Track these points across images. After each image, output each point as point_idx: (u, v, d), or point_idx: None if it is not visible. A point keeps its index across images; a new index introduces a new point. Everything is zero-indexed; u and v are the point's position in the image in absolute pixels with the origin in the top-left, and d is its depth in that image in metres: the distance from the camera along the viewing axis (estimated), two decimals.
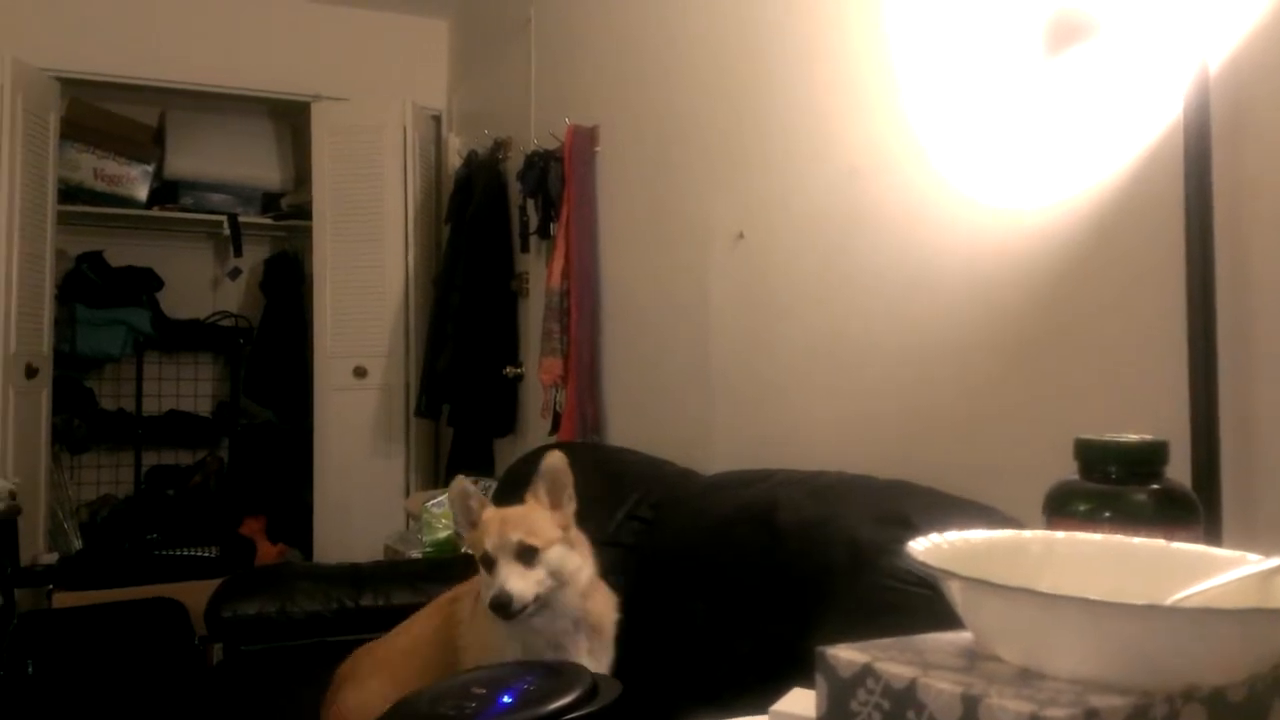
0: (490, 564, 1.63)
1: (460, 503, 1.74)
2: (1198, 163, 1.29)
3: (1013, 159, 1.66)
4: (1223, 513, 1.25)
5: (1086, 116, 1.53)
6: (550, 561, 1.64)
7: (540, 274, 3.37)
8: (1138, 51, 1.45)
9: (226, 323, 5.21)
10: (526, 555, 1.62)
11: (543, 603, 1.63)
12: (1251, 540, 0.84)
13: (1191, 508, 0.80)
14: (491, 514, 1.68)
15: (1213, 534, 1.15)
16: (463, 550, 1.68)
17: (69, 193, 4.48)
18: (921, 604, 1.30)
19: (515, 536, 1.62)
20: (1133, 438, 0.82)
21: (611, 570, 2.16)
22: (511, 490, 2.80)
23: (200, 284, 5.28)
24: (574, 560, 1.69)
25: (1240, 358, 1.30)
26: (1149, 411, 1.39)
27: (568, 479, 1.72)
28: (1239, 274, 1.31)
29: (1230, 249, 1.31)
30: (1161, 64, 1.40)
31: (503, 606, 1.58)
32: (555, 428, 3.07)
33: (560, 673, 1.21)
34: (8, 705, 3.27)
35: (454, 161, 4.25)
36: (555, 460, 1.72)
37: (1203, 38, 1.31)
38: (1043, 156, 1.60)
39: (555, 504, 1.71)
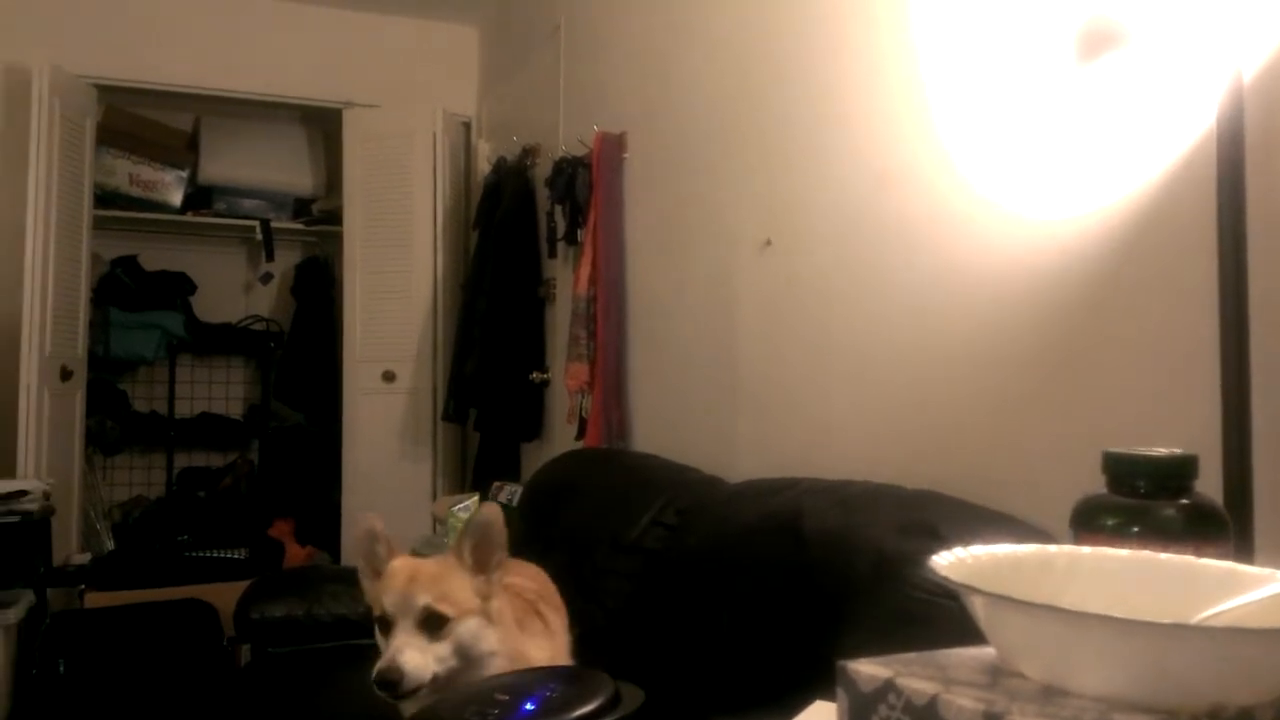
0: (386, 627, 1.39)
1: (365, 545, 1.48)
2: (1231, 172, 1.28)
3: (1043, 168, 1.65)
4: (1255, 529, 1.23)
5: (1118, 126, 1.51)
6: (461, 636, 1.38)
7: (567, 280, 3.38)
8: (1170, 60, 1.43)
9: (258, 326, 5.26)
10: (432, 624, 1.37)
11: (442, 685, 1.37)
12: None
13: (1221, 523, 0.79)
14: (400, 565, 1.43)
15: (1244, 550, 1.13)
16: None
17: (105, 198, 4.55)
18: (948, 615, 1.29)
19: (422, 599, 1.37)
20: (1162, 451, 0.81)
21: (632, 577, 2.17)
22: (535, 496, 2.82)
23: (232, 288, 5.34)
24: (491, 639, 1.42)
25: (1274, 370, 1.28)
26: (1180, 425, 1.38)
27: (501, 537, 1.46)
28: (1273, 285, 1.29)
29: (1264, 260, 1.29)
30: (1195, 73, 1.39)
31: (390, 684, 1.33)
32: (581, 433, 3.07)
33: (582, 679, 1.21)
34: (40, 704, 3.32)
35: (483, 168, 4.28)
36: (489, 514, 1.46)
37: (1237, 46, 1.30)
38: (1073, 166, 1.59)
39: (481, 566, 1.44)
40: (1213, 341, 1.30)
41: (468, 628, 1.40)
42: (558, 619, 1.74)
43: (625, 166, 3.07)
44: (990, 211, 1.74)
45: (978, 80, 1.78)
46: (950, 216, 1.82)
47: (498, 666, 1.42)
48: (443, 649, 1.37)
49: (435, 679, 1.37)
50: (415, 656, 1.35)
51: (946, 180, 1.83)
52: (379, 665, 1.35)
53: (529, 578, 1.83)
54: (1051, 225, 1.62)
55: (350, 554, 4.10)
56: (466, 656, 1.39)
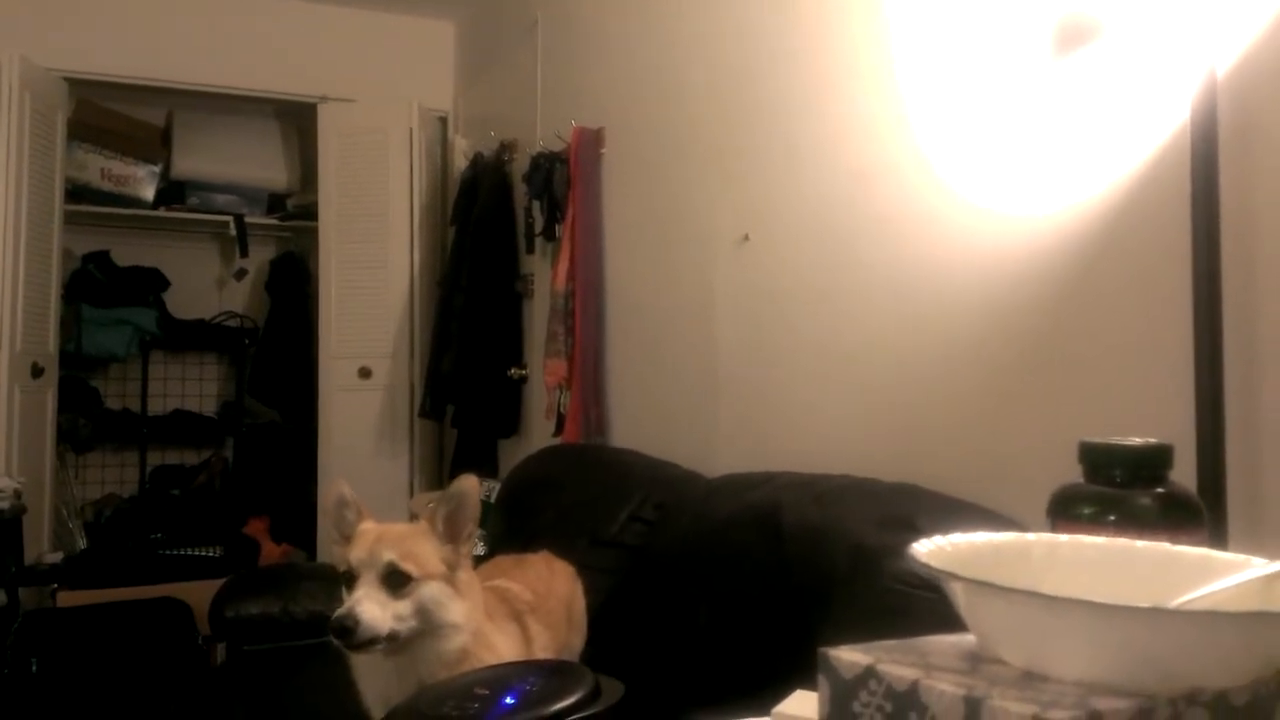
0: (350, 582, 1.40)
1: (336, 511, 1.50)
2: (1204, 167, 1.29)
3: (1017, 164, 1.66)
4: (1228, 516, 1.25)
5: (1092, 121, 1.53)
6: (423, 598, 1.39)
7: (545, 275, 3.37)
8: (1145, 56, 1.44)
9: (232, 323, 5.22)
10: (395, 581, 1.38)
11: (400, 645, 1.39)
12: (1257, 544, 0.84)
13: (1196, 511, 0.80)
14: (369, 527, 1.46)
15: (1218, 538, 1.14)
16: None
17: (76, 192, 4.49)
18: (926, 607, 1.29)
19: (387, 556, 1.39)
20: (1137, 441, 0.82)
21: (611, 572, 2.17)
22: (514, 493, 2.81)
23: (206, 284, 5.29)
24: (454, 609, 1.42)
25: (1246, 361, 1.30)
26: (1155, 415, 1.39)
27: (475, 510, 1.47)
28: (1245, 278, 1.30)
29: (1237, 253, 1.30)
30: (1168, 69, 1.40)
31: (344, 631, 1.34)
32: (559, 429, 3.07)
33: (562, 673, 1.21)
34: (12, 704, 3.28)
35: (460, 163, 4.26)
36: (466, 485, 1.48)
37: (1210, 42, 1.31)
38: (1047, 162, 1.60)
39: (452, 535, 1.46)
40: (1187, 333, 1.31)
41: (430, 591, 1.40)
42: (546, 635, 1.70)
43: (603, 162, 3.06)
44: (966, 207, 1.75)
45: (953, 75, 1.79)
46: (927, 212, 1.83)
47: (460, 643, 1.42)
48: (403, 607, 1.38)
49: (394, 636, 1.37)
50: (373, 609, 1.36)
51: (923, 176, 1.84)
52: (336, 612, 1.36)
53: (532, 583, 1.80)
54: (1027, 221, 1.63)
55: (327, 550, 4.08)
56: (428, 620, 1.40)
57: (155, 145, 4.90)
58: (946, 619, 0.66)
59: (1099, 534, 0.76)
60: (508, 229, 3.74)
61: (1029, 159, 1.64)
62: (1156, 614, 0.56)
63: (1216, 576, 0.65)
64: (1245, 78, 1.31)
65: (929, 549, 0.68)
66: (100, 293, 4.79)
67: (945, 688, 0.57)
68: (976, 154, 1.73)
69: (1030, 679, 0.58)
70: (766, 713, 0.79)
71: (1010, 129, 1.67)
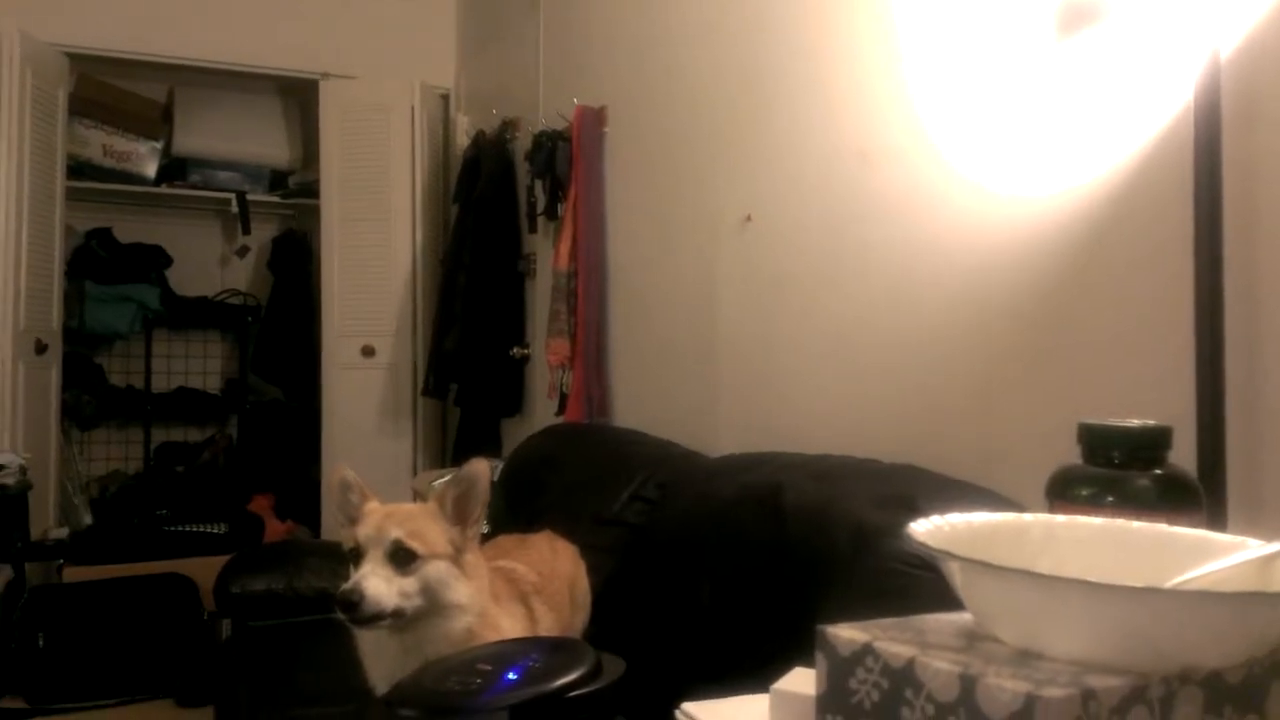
0: (357, 559, 1.41)
1: (340, 495, 1.50)
2: (1208, 149, 1.29)
3: (1021, 145, 1.65)
4: (1227, 498, 1.25)
5: (1096, 103, 1.52)
6: (428, 576, 1.40)
7: (548, 255, 3.37)
8: (1148, 37, 1.44)
9: (235, 300, 5.22)
10: (401, 558, 1.39)
11: (404, 622, 1.40)
12: (1256, 526, 0.84)
13: (1193, 493, 0.81)
14: (375, 507, 1.48)
15: (1217, 520, 1.15)
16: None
17: (78, 169, 4.48)
18: (925, 587, 1.30)
19: (394, 533, 1.40)
20: (1136, 423, 0.82)
21: (613, 550, 2.18)
22: (517, 471, 2.82)
23: (208, 262, 5.28)
24: (460, 589, 1.42)
25: (1247, 344, 1.30)
26: (1155, 397, 1.39)
27: (485, 494, 1.48)
28: (1247, 261, 1.30)
29: (1239, 236, 1.30)
30: (1172, 50, 1.40)
31: (350, 605, 1.35)
32: (562, 408, 3.07)
33: (564, 649, 1.22)
34: (18, 678, 3.30)
35: (462, 141, 4.24)
36: (478, 469, 1.49)
37: (1214, 24, 1.31)
38: (1051, 143, 1.60)
39: (461, 517, 1.47)
40: (1188, 315, 1.31)
41: (436, 569, 1.41)
42: (551, 616, 1.71)
43: (606, 141, 3.05)
44: (970, 189, 1.74)
45: (957, 57, 1.78)
46: (930, 194, 1.83)
47: (466, 624, 1.43)
48: (409, 584, 1.39)
49: (399, 613, 1.38)
50: (379, 584, 1.37)
51: (926, 158, 1.83)
52: (342, 587, 1.37)
53: (536, 563, 1.81)
54: (1030, 203, 1.63)
55: (331, 528, 4.10)
56: (433, 599, 1.41)
57: (157, 121, 4.89)
58: (947, 599, 0.67)
59: (1097, 515, 0.77)
60: (510, 208, 3.73)
61: (1032, 141, 1.63)
62: (1152, 594, 0.57)
63: (1213, 557, 0.65)
64: (1248, 60, 1.31)
65: (927, 528, 0.68)
66: (103, 269, 4.79)
67: (941, 665, 0.57)
68: (980, 136, 1.73)
69: (1025, 657, 0.59)
70: (766, 690, 0.80)
71: (1013, 111, 1.67)
